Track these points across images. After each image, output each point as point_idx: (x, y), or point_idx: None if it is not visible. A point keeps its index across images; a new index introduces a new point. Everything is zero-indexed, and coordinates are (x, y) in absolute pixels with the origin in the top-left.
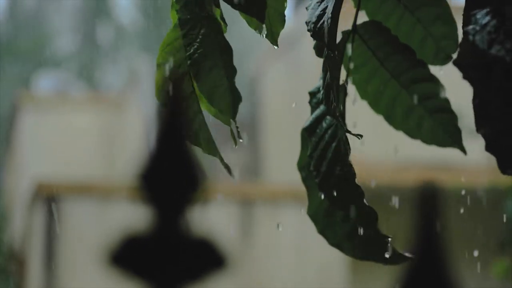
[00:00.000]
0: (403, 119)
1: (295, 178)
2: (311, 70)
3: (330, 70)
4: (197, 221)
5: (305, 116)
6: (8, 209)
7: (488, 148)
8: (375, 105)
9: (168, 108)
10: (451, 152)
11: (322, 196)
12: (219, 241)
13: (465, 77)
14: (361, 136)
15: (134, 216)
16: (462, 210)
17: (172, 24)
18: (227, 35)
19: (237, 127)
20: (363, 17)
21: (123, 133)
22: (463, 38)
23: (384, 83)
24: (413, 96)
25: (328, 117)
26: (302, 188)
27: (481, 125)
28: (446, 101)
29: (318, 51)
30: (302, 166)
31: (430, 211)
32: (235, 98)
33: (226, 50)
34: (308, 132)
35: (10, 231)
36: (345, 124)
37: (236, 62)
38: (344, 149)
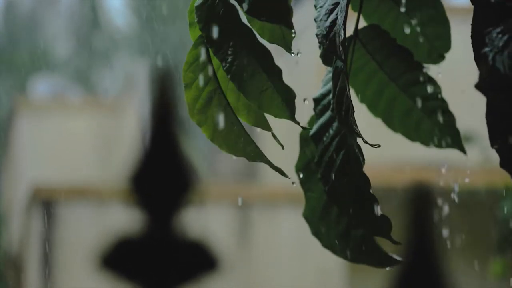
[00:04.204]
0: (401, 121)
1: (292, 180)
2: (309, 70)
3: (342, 80)
4: (190, 223)
5: (302, 118)
6: (5, 214)
7: (503, 164)
8: (374, 108)
9: (160, 111)
10: (448, 153)
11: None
12: (213, 243)
13: (489, 99)
14: (379, 145)
15: (130, 220)
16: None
17: (192, 43)
18: None
19: (273, 134)
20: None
21: (119, 137)
22: (481, 61)
23: (382, 86)
24: (411, 99)
25: (335, 124)
26: (299, 190)
27: (495, 140)
28: (444, 101)
29: (325, 60)
30: (300, 168)
31: (422, 212)
32: (288, 95)
33: (264, 54)
34: (314, 139)
35: (7, 235)
36: (360, 134)
37: None
38: (356, 158)
